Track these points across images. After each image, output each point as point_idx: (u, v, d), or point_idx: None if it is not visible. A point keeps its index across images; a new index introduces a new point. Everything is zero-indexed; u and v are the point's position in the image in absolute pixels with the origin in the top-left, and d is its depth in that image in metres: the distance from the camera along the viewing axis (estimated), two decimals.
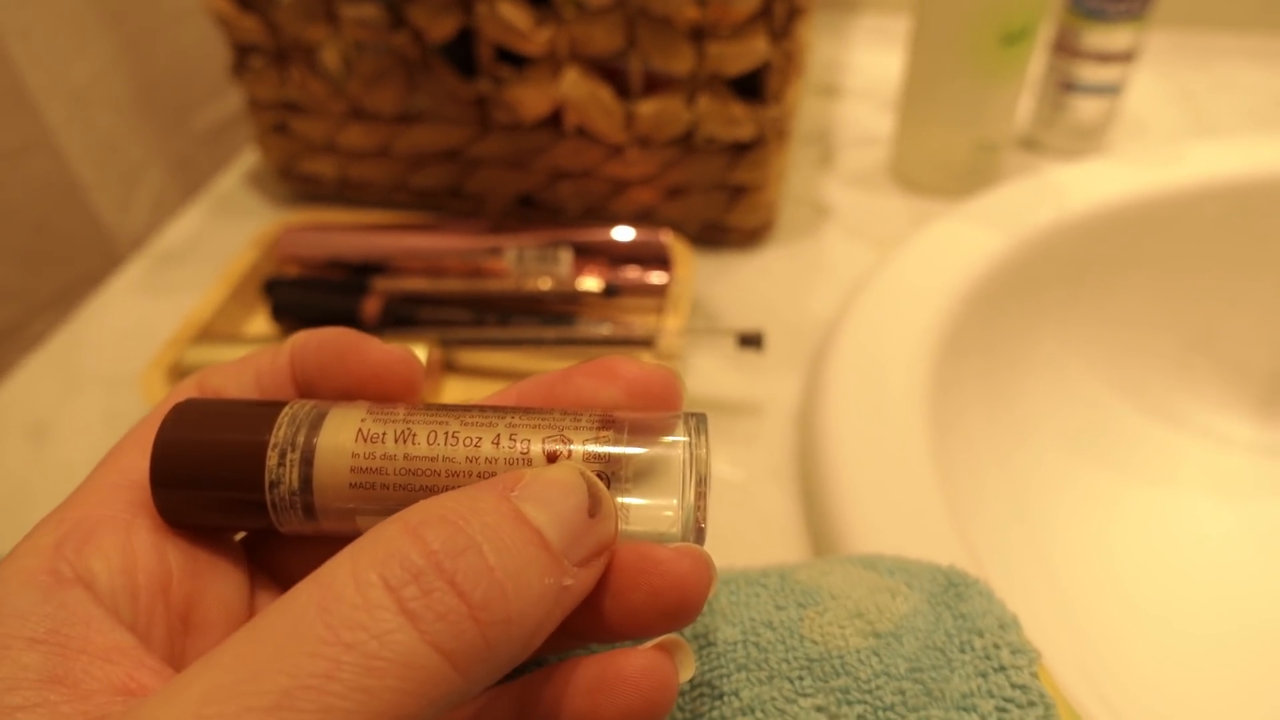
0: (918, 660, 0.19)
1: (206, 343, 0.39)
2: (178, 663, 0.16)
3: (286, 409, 0.17)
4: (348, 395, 0.18)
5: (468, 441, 0.16)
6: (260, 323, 0.44)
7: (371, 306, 0.41)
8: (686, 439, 0.17)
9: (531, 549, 0.14)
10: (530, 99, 0.44)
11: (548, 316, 0.41)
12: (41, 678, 0.14)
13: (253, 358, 0.19)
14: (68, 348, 0.45)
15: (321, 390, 0.19)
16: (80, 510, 0.17)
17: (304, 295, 0.43)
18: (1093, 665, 0.39)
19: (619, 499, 0.17)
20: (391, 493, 0.16)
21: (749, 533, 0.34)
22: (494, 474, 0.16)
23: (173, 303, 0.46)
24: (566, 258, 0.42)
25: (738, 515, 0.35)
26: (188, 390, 0.18)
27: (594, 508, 0.15)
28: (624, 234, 0.43)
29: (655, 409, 0.18)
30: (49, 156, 0.57)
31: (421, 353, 0.37)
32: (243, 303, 0.43)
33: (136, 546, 0.16)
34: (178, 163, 0.66)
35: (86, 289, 0.49)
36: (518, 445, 0.16)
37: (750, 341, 0.37)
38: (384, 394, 0.18)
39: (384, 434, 0.17)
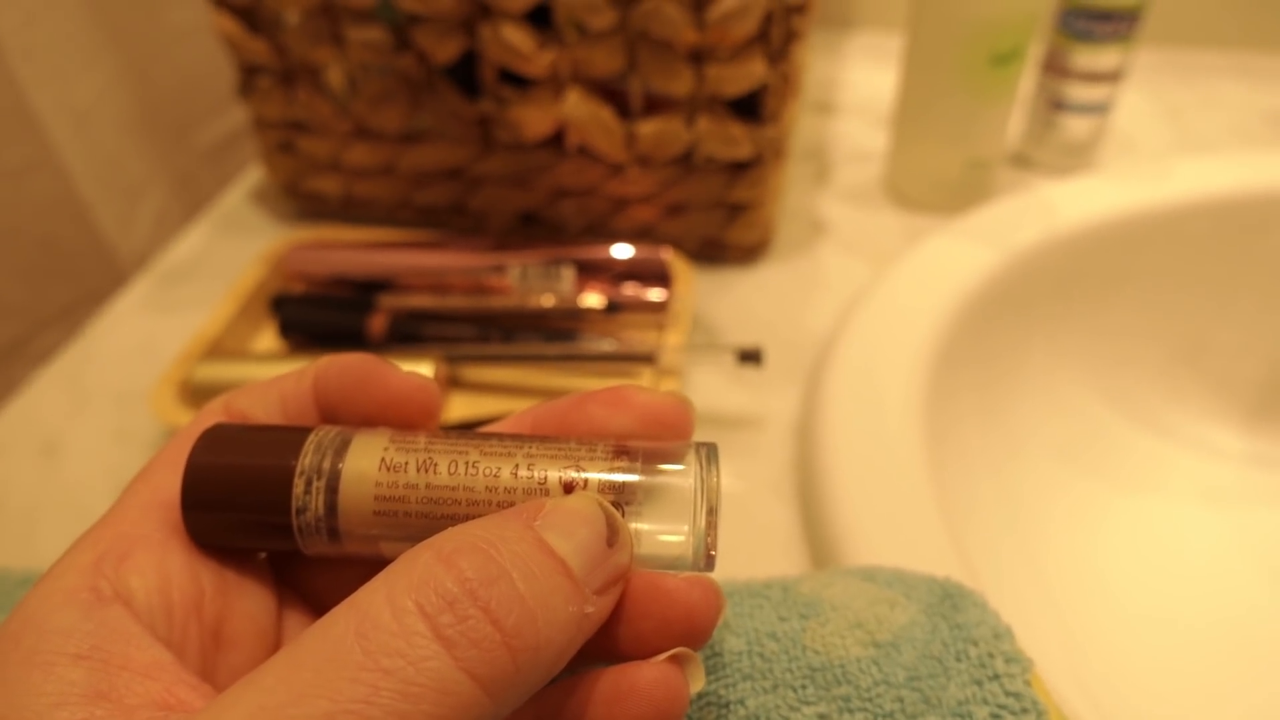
0: (915, 669, 0.20)
1: (215, 359, 0.40)
2: (210, 677, 0.17)
3: (312, 436, 0.18)
4: (368, 421, 0.19)
5: (487, 472, 0.17)
6: (268, 339, 0.44)
7: (377, 323, 0.42)
8: (698, 468, 0.18)
9: (557, 577, 0.15)
10: (533, 119, 0.45)
11: (550, 333, 0.42)
12: (86, 693, 0.14)
13: (278, 381, 0.20)
14: (76, 364, 0.45)
15: (343, 415, 0.19)
16: (116, 529, 0.17)
17: (311, 312, 0.43)
18: (1085, 673, 0.40)
19: (632, 525, 0.17)
20: (414, 520, 0.17)
21: (749, 544, 0.35)
22: (513, 503, 0.17)
23: (180, 319, 0.47)
24: (569, 275, 0.43)
25: (738, 527, 0.36)
26: (216, 413, 0.19)
27: (612, 538, 0.16)
28: (625, 251, 0.44)
29: (667, 436, 0.19)
30: (53, 175, 0.57)
31: (427, 369, 0.38)
32: (250, 319, 0.44)
33: (171, 565, 0.17)
34: (180, 180, 0.67)
35: (90, 306, 0.50)
36: (535, 475, 0.17)
37: (750, 357, 0.38)
38: (403, 420, 0.19)
39: (406, 463, 0.17)
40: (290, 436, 0.18)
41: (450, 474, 0.17)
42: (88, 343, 0.47)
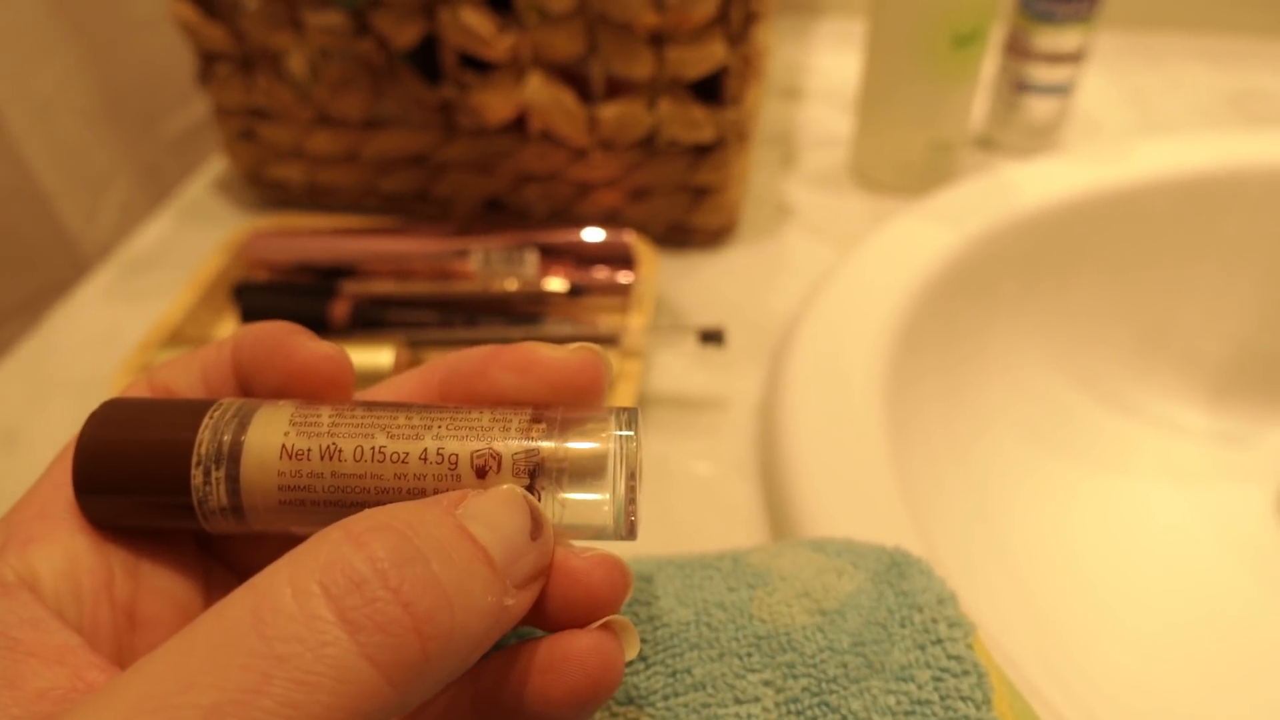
0: (860, 635, 0.20)
1: (176, 347, 0.40)
2: (125, 660, 0.16)
3: (209, 413, 0.17)
4: (278, 392, 0.18)
5: (395, 457, 0.16)
6: (229, 327, 0.44)
7: (340, 309, 0.41)
8: (617, 434, 0.17)
9: (477, 564, 0.14)
10: (494, 104, 0.45)
11: (514, 317, 0.42)
12: None
13: (200, 353, 0.19)
14: (37, 355, 0.45)
15: (257, 385, 0.19)
16: (23, 513, 0.17)
17: (273, 299, 0.43)
18: (1052, 651, 0.40)
19: (553, 495, 0.17)
20: (323, 509, 0.16)
21: (712, 524, 0.35)
22: (423, 490, 0.16)
23: (142, 309, 0.46)
24: (532, 259, 0.43)
25: (701, 507, 0.36)
26: (139, 387, 0.19)
27: (535, 531, 0.16)
28: (589, 235, 0.44)
29: (581, 396, 0.18)
30: (12, 165, 0.57)
31: (389, 354, 0.38)
32: (212, 307, 0.44)
33: (78, 547, 0.17)
34: (145, 170, 0.66)
35: (52, 297, 0.49)
36: (445, 457, 0.16)
37: (711, 337, 0.38)
38: (311, 393, 0.18)
39: (309, 449, 0.16)
40: (188, 410, 0.17)
41: (356, 460, 0.16)
42: (49, 332, 0.46)
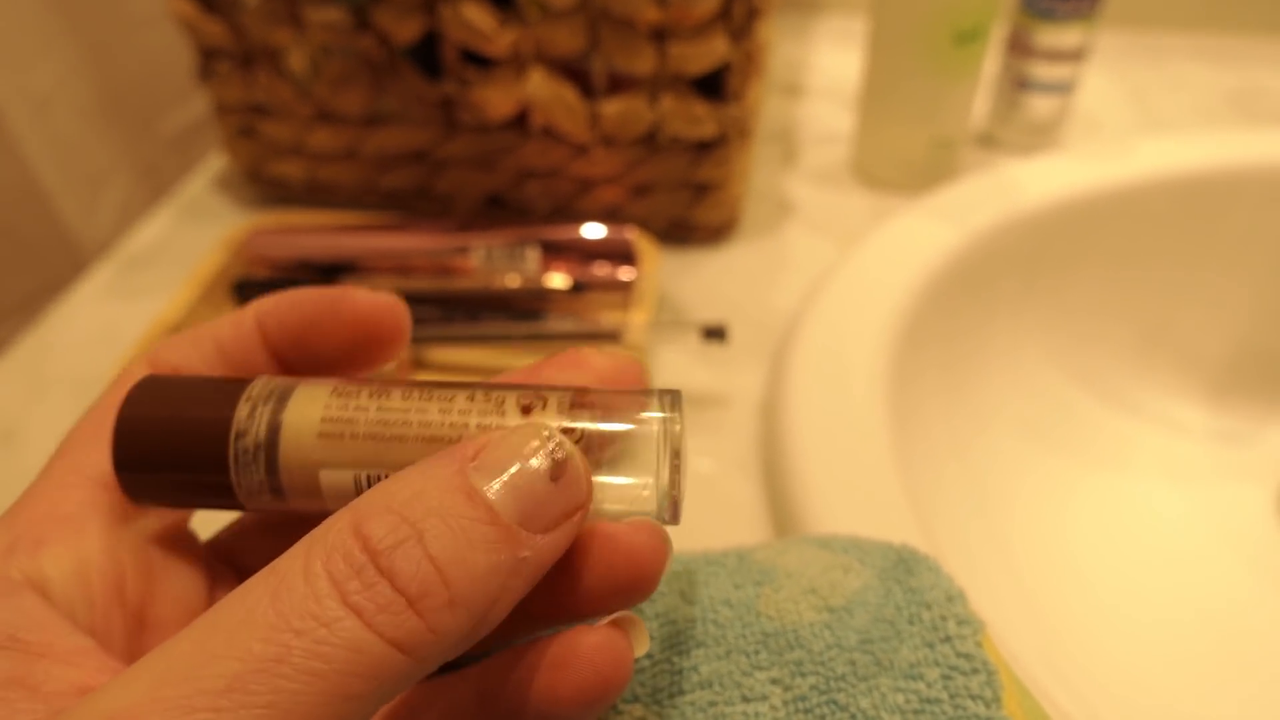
0: (868, 632, 0.20)
1: None
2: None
3: (249, 388, 0.17)
4: (332, 352, 0.18)
5: (442, 397, 0.16)
6: None
7: None
8: (661, 414, 0.17)
9: (480, 527, 0.14)
10: (496, 100, 0.44)
11: (516, 313, 0.42)
12: (1, 679, 0.14)
13: (210, 328, 0.19)
14: (35, 352, 0.45)
15: (300, 353, 0.19)
16: (31, 512, 0.17)
17: None
18: (1052, 647, 0.40)
19: (596, 476, 0.16)
20: (361, 443, 0.16)
21: (715, 521, 0.35)
22: (466, 425, 0.16)
23: (141, 306, 0.46)
24: (534, 255, 0.43)
25: (704, 504, 0.36)
26: (139, 368, 0.18)
27: (557, 473, 0.15)
28: (591, 231, 0.44)
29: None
30: (11, 162, 0.57)
31: None
32: (211, 304, 0.44)
33: (89, 549, 0.16)
34: (144, 168, 0.66)
35: (50, 294, 0.49)
36: (492, 402, 0.16)
37: (714, 334, 0.38)
38: (377, 343, 0.18)
39: (358, 390, 0.16)
40: (229, 386, 0.17)
41: (404, 399, 0.16)
42: (47, 330, 0.46)
